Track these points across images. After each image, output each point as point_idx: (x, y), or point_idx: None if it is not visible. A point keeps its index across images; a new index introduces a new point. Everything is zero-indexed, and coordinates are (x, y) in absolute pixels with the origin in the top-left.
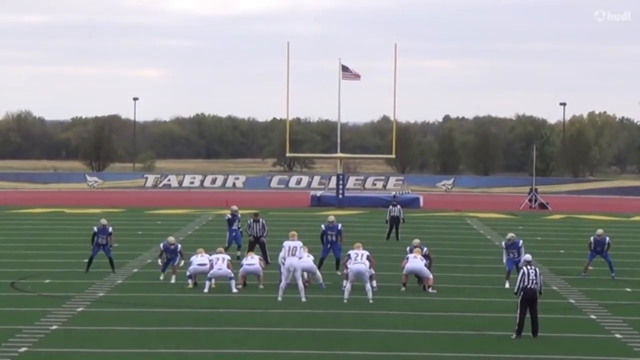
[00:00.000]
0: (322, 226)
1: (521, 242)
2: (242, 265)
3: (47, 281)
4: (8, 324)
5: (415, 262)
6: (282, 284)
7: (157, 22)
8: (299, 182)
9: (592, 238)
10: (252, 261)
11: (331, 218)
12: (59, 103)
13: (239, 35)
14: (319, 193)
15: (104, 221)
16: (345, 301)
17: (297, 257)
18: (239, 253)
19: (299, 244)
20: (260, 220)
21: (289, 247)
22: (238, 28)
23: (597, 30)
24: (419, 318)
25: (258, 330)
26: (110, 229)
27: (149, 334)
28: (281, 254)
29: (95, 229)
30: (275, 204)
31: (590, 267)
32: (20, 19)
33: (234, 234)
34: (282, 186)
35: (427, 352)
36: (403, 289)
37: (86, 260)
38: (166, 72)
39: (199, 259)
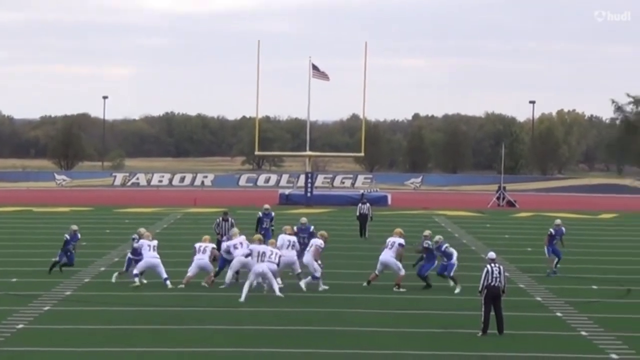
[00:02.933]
0: (294, 228)
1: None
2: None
3: (14, 280)
4: None
5: (384, 253)
6: (246, 284)
7: (128, 20)
8: (267, 180)
9: (551, 229)
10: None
11: (303, 219)
12: (27, 101)
13: (209, 33)
14: (287, 191)
15: (74, 227)
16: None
17: (266, 262)
18: None
19: (267, 248)
20: (230, 219)
21: (258, 252)
22: (208, 27)
23: (566, 29)
24: (388, 316)
25: (226, 329)
26: (79, 235)
27: (117, 332)
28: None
29: (67, 236)
30: (244, 202)
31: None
32: None
33: (262, 232)
34: (251, 184)
35: (397, 349)
36: (365, 284)
37: (53, 260)
38: (136, 71)
39: (151, 253)
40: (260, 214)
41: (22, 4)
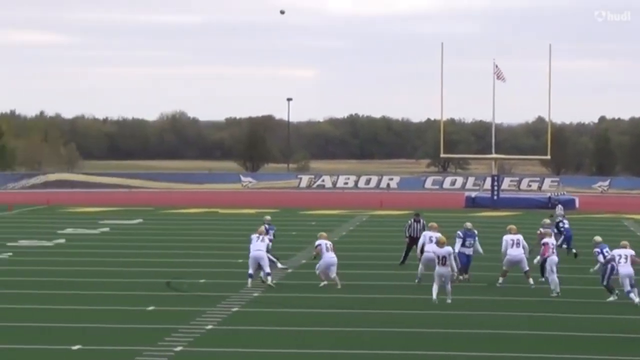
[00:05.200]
0: (459, 232)
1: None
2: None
3: (202, 281)
4: (164, 323)
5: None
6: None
7: (310, 22)
8: (453, 183)
9: None
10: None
11: (468, 224)
12: (212, 103)
13: (393, 35)
14: (473, 194)
15: (268, 217)
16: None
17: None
18: None
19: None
20: (421, 220)
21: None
22: (392, 28)
23: None
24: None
25: (422, 332)
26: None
27: (302, 334)
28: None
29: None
30: (430, 205)
31: None
32: (176, 20)
33: None
34: (437, 187)
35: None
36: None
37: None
38: (320, 73)
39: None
40: None
41: (204, 6)
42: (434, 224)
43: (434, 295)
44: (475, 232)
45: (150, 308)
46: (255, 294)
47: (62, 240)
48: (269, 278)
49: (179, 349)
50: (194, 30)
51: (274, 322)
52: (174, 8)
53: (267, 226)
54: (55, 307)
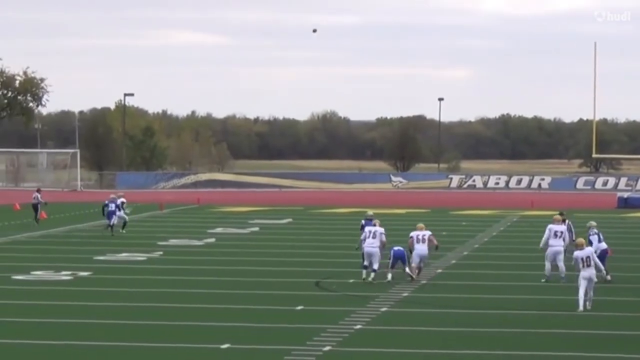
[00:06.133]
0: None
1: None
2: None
3: (351, 281)
4: (313, 322)
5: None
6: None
7: (464, 22)
8: (605, 183)
9: None
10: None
11: (591, 223)
12: (363, 103)
13: (545, 34)
14: (625, 195)
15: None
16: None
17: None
18: None
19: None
20: (566, 220)
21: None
22: (544, 28)
23: None
24: None
25: (563, 333)
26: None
27: (452, 335)
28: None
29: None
30: (581, 205)
31: None
32: (328, 20)
33: None
34: (588, 187)
35: None
36: None
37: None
38: (472, 73)
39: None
40: None
41: (360, 7)
42: (558, 217)
43: (581, 306)
44: (596, 230)
45: (299, 308)
46: (405, 294)
47: (212, 240)
48: (372, 275)
49: (327, 348)
50: (346, 31)
51: (423, 322)
52: (329, 9)
53: (364, 222)
54: (204, 306)
